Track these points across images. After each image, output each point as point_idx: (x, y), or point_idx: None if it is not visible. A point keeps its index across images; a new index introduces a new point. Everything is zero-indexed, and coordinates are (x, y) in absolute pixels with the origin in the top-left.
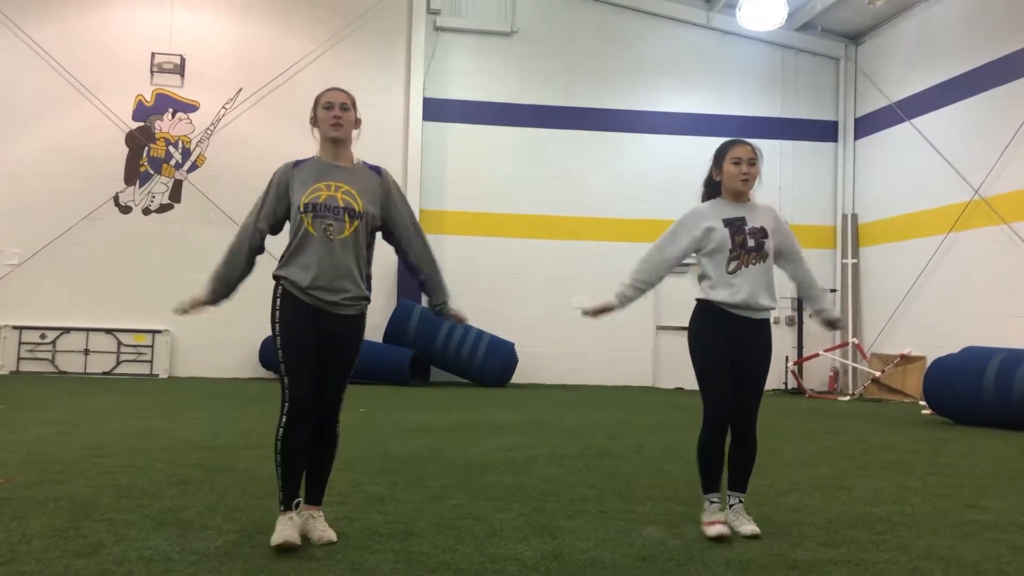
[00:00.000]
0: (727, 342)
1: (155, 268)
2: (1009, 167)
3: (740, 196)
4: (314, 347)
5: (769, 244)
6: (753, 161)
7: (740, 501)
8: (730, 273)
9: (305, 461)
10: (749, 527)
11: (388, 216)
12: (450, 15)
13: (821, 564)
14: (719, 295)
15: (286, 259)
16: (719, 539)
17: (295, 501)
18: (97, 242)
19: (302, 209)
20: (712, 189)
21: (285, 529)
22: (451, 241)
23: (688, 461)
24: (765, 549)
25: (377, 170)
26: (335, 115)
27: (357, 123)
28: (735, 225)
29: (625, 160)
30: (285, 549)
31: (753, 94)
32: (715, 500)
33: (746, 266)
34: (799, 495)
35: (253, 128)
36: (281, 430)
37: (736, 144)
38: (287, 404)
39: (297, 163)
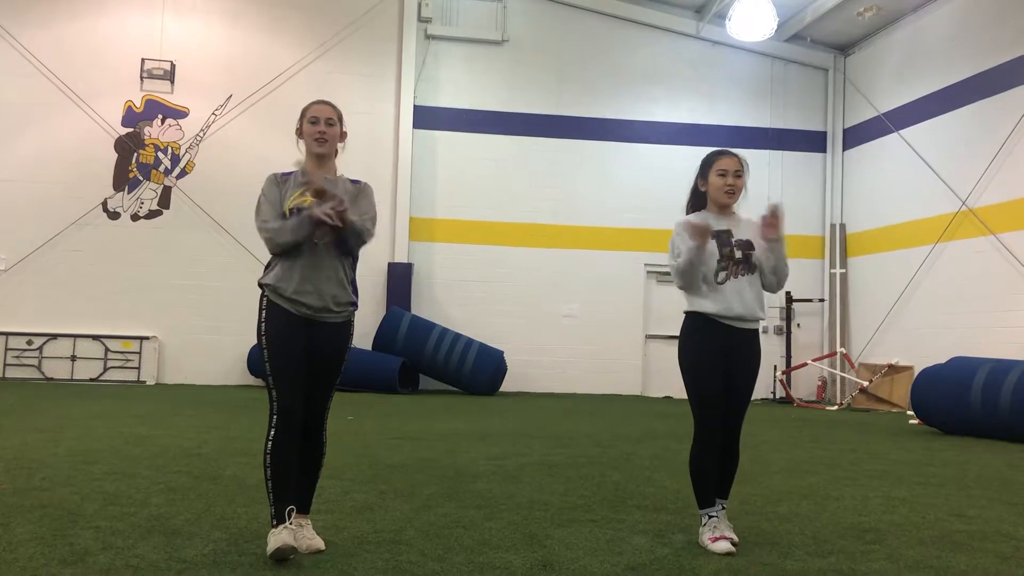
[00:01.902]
0: (720, 356)
1: (143, 274)
2: (996, 178)
3: (725, 208)
4: (302, 358)
5: (756, 257)
6: (739, 173)
7: (723, 508)
8: (719, 284)
9: (295, 473)
10: (729, 535)
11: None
12: (441, 23)
13: (810, 574)
14: (708, 306)
15: (271, 267)
16: (727, 555)
17: (288, 509)
18: (85, 248)
19: (287, 215)
20: (698, 200)
21: (280, 535)
22: (441, 249)
23: (677, 470)
24: (754, 559)
25: (357, 182)
26: (320, 130)
27: (343, 136)
28: (722, 237)
29: (614, 169)
30: (283, 555)
31: (742, 104)
32: (713, 514)
33: (734, 277)
34: (788, 504)
35: (243, 135)
36: (270, 443)
37: (722, 155)
38: (276, 417)
39: (283, 175)
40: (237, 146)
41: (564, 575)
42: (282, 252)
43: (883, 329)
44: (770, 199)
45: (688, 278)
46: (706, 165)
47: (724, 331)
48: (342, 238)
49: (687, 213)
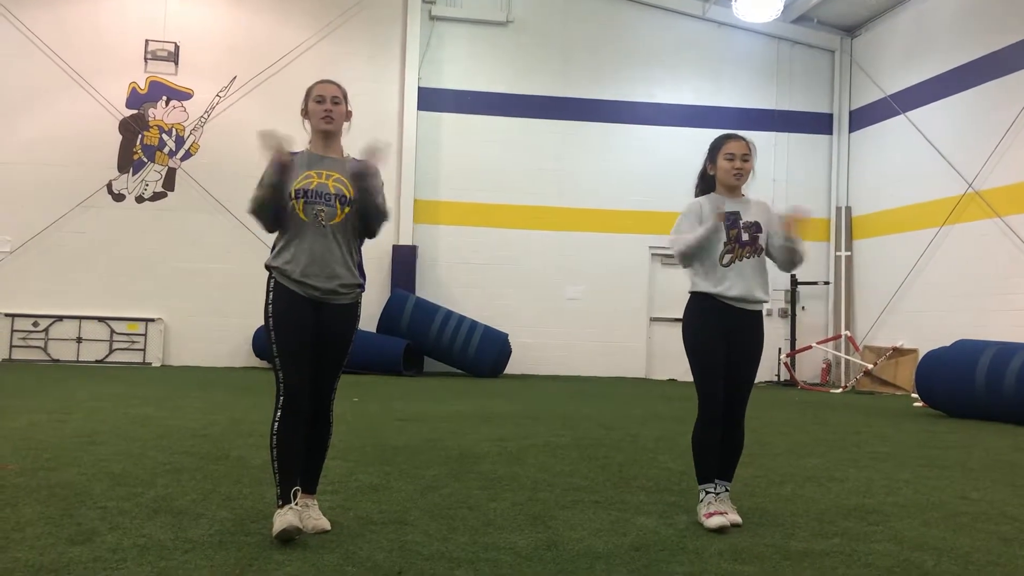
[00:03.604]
0: (722, 335)
1: (148, 256)
2: (1003, 160)
3: (734, 191)
4: (308, 339)
5: (763, 239)
6: (747, 156)
7: (727, 490)
8: (724, 266)
9: (301, 454)
10: (732, 516)
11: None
12: (445, 4)
13: (814, 555)
14: (711, 287)
15: (278, 249)
16: (720, 531)
17: (293, 490)
18: (90, 230)
19: (293, 196)
20: (706, 183)
21: (286, 516)
22: (445, 231)
23: (681, 452)
24: (758, 539)
25: (363, 162)
26: (326, 108)
27: (348, 116)
28: (729, 219)
29: (619, 151)
30: (288, 535)
31: (748, 86)
32: (711, 490)
33: (739, 260)
34: (792, 486)
35: (247, 117)
36: (276, 424)
37: (730, 139)
38: (282, 398)
39: (289, 154)
40: (242, 128)
41: (568, 555)
42: (265, 216)
43: (888, 312)
44: (776, 181)
45: (689, 258)
46: (714, 149)
47: (726, 311)
48: (367, 218)
49: (696, 196)
